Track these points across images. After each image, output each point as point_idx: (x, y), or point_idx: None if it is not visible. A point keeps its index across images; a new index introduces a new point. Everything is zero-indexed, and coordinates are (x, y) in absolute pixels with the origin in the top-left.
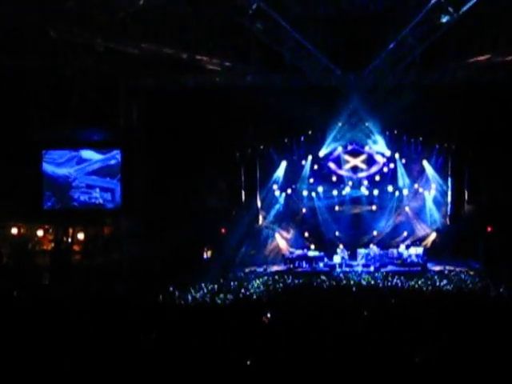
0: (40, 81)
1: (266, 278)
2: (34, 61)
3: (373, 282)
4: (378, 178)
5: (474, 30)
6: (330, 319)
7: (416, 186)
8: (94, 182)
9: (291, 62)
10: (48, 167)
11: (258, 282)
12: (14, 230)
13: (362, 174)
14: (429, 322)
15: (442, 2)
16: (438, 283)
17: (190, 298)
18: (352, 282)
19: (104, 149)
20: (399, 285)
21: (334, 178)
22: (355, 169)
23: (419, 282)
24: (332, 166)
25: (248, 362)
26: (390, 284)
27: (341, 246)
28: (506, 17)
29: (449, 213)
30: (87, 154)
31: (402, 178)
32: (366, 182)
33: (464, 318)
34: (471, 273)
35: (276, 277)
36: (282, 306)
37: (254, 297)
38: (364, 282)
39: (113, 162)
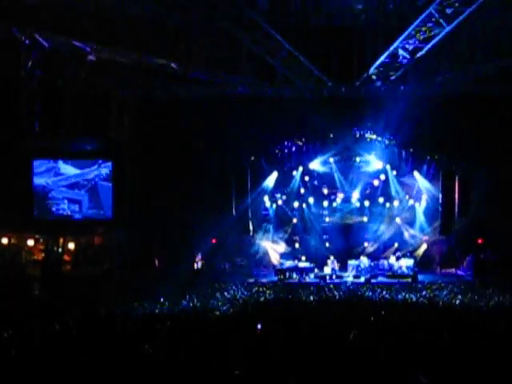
0: (31, 91)
1: (256, 288)
2: (26, 71)
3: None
4: (368, 189)
5: (466, 42)
6: (318, 331)
7: (407, 197)
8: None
9: (283, 73)
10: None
11: (247, 292)
12: (5, 240)
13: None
14: (418, 334)
15: (433, 15)
16: (428, 295)
17: (179, 308)
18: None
19: (84, 162)
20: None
21: (325, 190)
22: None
23: (407, 296)
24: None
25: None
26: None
27: (331, 258)
28: (496, 29)
29: (439, 224)
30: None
31: (393, 190)
32: (357, 194)
33: (456, 332)
34: (461, 286)
35: (265, 288)
36: (271, 317)
37: (248, 307)
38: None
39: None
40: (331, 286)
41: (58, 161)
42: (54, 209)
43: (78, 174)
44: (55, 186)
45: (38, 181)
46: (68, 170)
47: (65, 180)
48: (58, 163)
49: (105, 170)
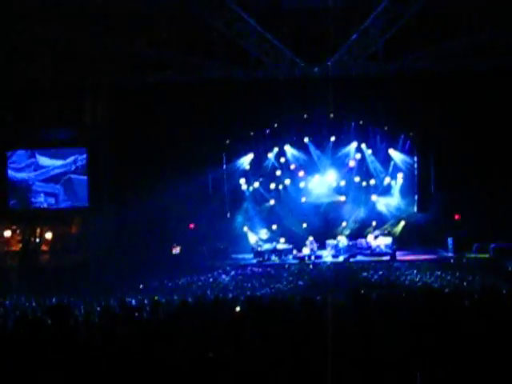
0: (2, 81)
1: (235, 272)
2: None
3: None
4: (344, 168)
5: (436, 20)
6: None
7: (383, 175)
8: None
9: (255, 55)
10: (8, 171)
11: (228, 277)
12: None
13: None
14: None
15: None
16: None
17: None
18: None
19: (61, 154)
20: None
21: (301, 172)
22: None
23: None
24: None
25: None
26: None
27: (310, 238)
28: (467, 6)
29: (416, 201)
30: (43, 161)
31: (370, 168)
32: (333, 173)
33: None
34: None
35: (245, 271)
36: (251, 301)
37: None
38: None
39: (72, 168)
40: (310, 266)
41: (36, 154)
42: (33, 201)
43: (57, 165)
44: (36, 179)
45: (20, 175)
46: (46, 162)
47: (44, 174)
48: (36, 157)
49: (80, 162)
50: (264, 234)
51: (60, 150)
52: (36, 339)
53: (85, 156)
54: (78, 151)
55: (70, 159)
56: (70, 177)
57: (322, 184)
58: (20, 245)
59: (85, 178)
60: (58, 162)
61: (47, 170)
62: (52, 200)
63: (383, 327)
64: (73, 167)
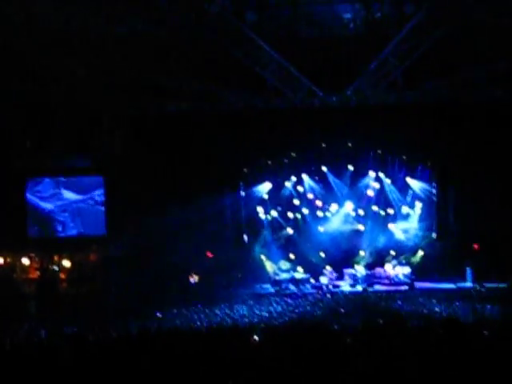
0: (23, 109)
1: (252, 301)
2: (17, 89)
3: None
4: (363, 197)
5: (455, 48)
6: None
7: (401, 204)
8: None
9: (273, 84)
10: (32, 198)
11: (244, 306)
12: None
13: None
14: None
15: (422, 22)
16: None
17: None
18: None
19: (86, 188)
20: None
21: (319, 202)
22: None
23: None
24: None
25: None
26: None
27: (328, 268)
28: (486, 35)
29: (435, 230)
30: (66, 193)
31: (388, 197)
32: (351, 203)
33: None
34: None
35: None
36: (269, 331)
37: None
38: None
39: (91, 202)
40: (328, 295)
41: (61, 187)
42: (56, 230)
43: (79, 199)
44: (59, 209)
45: (44, 204)
46: (68, 195)
47: (67, 205)
48: (60, 190)
49: (100, 198)
50: (283, 264)
51: (82, 183)
52: (54, 367)
53: (103, 191)
54: (99, 184)
55: (92, 194)
56: (78, 205)
57: (339, 213)
58: (38, 272)
59: (97, 206)
60: (80, 197)
61: (69, 203)
62: (59, 227)
63: (402, 357)
64: (92, 201)
